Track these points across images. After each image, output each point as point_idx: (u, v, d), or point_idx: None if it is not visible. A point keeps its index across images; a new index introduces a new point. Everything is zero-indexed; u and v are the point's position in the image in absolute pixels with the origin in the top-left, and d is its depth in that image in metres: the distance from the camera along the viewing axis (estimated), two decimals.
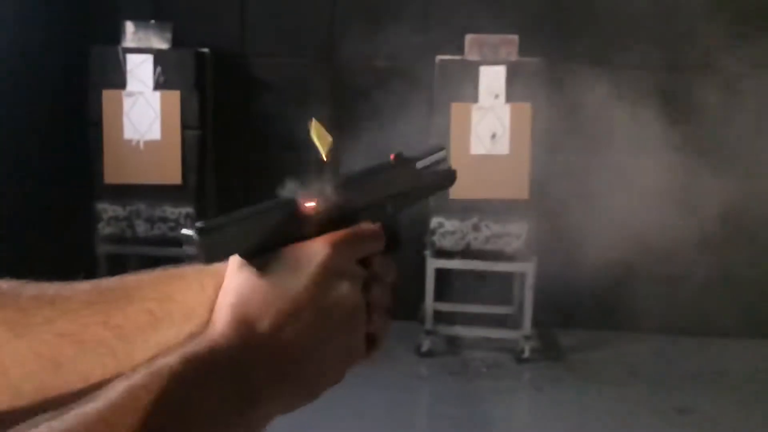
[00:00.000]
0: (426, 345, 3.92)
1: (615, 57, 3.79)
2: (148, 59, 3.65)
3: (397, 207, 0.61)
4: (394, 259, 0.59)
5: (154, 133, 3.71)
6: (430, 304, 3.90)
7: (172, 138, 3.73)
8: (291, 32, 4.12)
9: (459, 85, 3.70)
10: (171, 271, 0.62)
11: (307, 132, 0.59)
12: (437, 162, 0.65)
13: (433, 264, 3.87)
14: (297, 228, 0.54)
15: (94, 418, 0.43)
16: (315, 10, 4.14)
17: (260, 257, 0.53)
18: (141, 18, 3.72)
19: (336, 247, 0.53)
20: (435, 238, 3.84)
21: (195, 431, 0.47)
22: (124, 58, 3.64)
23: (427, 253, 3.87)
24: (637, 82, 3.77)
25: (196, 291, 0.59)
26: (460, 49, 3.74)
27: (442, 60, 3.73)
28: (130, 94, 3.68)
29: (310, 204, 0.55)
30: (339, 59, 4.18)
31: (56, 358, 0.56)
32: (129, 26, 3.68)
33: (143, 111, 3.69)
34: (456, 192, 3.69)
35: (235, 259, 0.54)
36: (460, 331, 4.04)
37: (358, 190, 0.59)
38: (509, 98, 3.69)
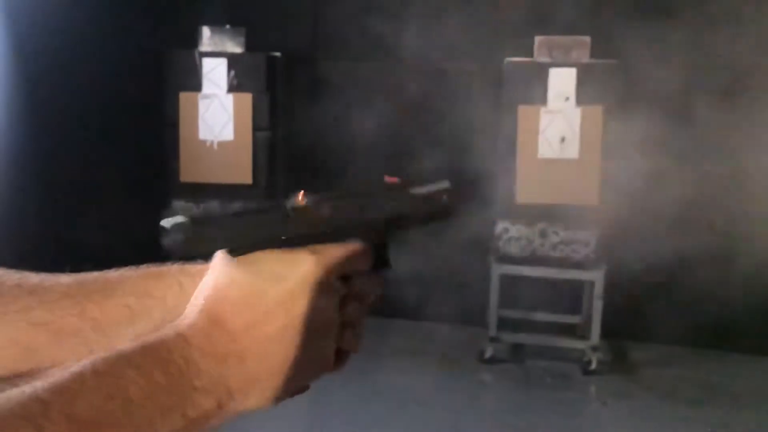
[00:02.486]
0: (489, 352, 3.85)
1: (690, 58, 3.61)
2: (222, 63, 3.79)
3: (388, 230, 0.61)
4: (379, 278, 0.59)
5: (227, 134, 3.84)
6: (494, 310, 3.83)
7: (244, 139, 3.85)
8: (360, 35, 4.17)
9: (527, 88, 3.63)
10: (153, 269, 0.63)
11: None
12: (437, 193, 0.64)
13: (497, 270, 3.81)
14: (285, 231, 0.55)
15: (30, 397, 0.42)
16: (384, 12, 4.17)
17: (245, 256, 0.53)
18: (217, 23, 3.86)
19: (319, 260, 0.54)
20: (500, 243, 3.77)
21: (142, 419, 0.45)
22: (200, 62, 3.80)
23: (492, 258, 3.82)
24: (714, 84, 3.58)
25: (176, 289, 0.61)
26: (529, 51, 3.67)
27: (510, 62, 3.67)
28: (206, 97, 3.83)
29: (299, 201, 0.56)
30: (408, 61, 4.19)
31: (30, 346, 0.58)
32: (205, 31, 3.83)
33: (217, 113, 3.83)
34: (523, 196, 3.63)
35: (221, 253, 0.55)
36: (524, 338, 3.95)
37: (351, 205, 0.60)
38: (580, 101, 3.59)
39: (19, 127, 3.20)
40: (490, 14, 4.02)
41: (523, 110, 3.64)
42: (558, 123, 3.61)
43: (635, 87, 3.57)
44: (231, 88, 3.81)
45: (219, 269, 0.54)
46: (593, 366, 3.73)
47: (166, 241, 0.53)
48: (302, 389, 0.56)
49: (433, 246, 4.23)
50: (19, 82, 3.15)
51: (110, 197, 3.70)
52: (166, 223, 0.53)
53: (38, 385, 0.43)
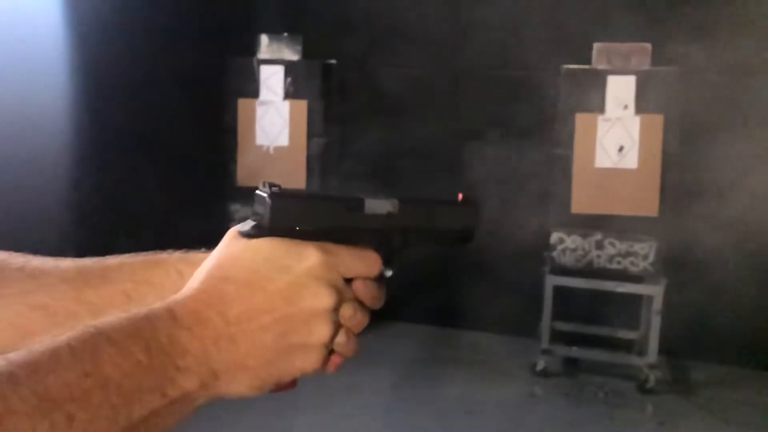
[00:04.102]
0: (541, 364, 3.77)
1: (758, 67, 3.45)
2: (279, 70, 3.87)
3: (404, 243, 0.61)
4: (382, 285, 0.58)
5: (283, 140, 3.91)
6: (547, 322, 3.75)
7: (298, 145, 3.91)
8: (415, 43, 4.17)
9: (585, 95, 3.55)
10: (153, 257, 0.64)
11: None
12: (460, 215, 0.63)
13: (551, 281, 3.73)
14: (355, 224, 0.57)
15: (1, 372, 0.41)
16: (440, 20, 4.16)
17: (256, 241, 0.54)
18: (275, 31, 3.94)
19: (326, 258, 0.54)
20: (555, 254, 3.69)
21: (119, 398, 0.44)
22: (258, 69, 3.88)
23: (546, 269, 3.74)
24: None
25: (174, 277, 0.62)
26: (588, 58, 3.59)
27: (568, 69, 3.59)
28: (263, 103, 3.91)
29: (389, 205, 0.58)
30: (463, 68, 4.16)
31: (28, 328, 0.59)
32: (264, 39, 3.92)
33: (273, 119, 3.90)
34: (578, 206, 3.55)
35: (232, 232, 0.55)
36: (578, 352, 3.84)
37: (420, 213, 0.61)
38: (639, 109, 3.48)
39: (82, 129, 3.35)
40: (548, 21, 3.95)
41: (580, 118, 3.56)
42: (616, 132, 3.51)
43: (697, 94, 3.43)
44: (287, 95, 3.88)
45: (227, 249, 0.54)
46: (650, 384, 3.59)
47: (255, 208, 0.55)
48: (289, 385, 0.56)
49: (486, 255, 4.18)
50: (82, 84, 3.30)
51: (170, 198, 3.82)
52: (260, 191, 0.54)
53: (12, 358, 0.42)
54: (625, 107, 3.49)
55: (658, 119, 3.46)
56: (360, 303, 0.57)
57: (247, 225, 0.55)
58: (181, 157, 3.90)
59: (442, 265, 4.30)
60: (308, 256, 0.53)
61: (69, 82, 3.23)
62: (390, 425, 3.27)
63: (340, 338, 0.56)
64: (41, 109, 3.09)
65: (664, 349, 3.63)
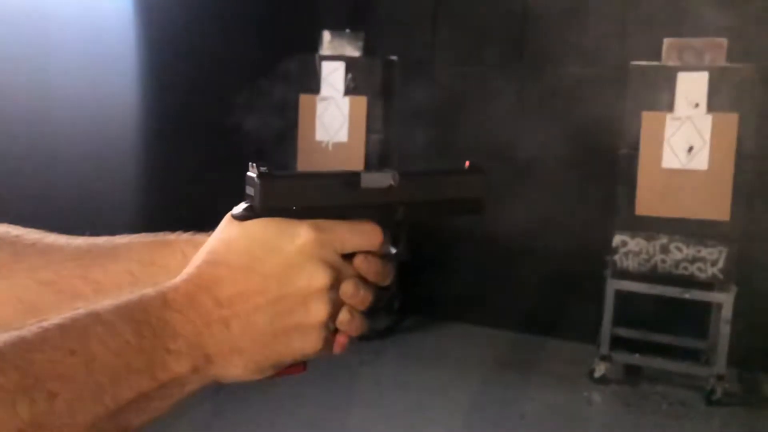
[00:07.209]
0: (600, 371, 3.65)
1: None
2: (340, 66, 3.88)
3: (406, 216, 0.59)
4: (387, 261, 0.56)
5: (342, 136, 3.93)
6: (607, 327, 3.63)
7: (357, 141, 3.92)
8: (478, 39, 4.12)
9: (654, 93, 3.42)
10: (160, 238, 0.64)
11: None
12: (466, 184, 0.60)
13: (613, 285, 3.61)
14: (353, 200, 0.55)
15: None
16: (502, 15, 4.09)
17: (249, 222, 0.53)
18: (338, 27, 3.96)
19: (319, 236, 0.53)
20: (617, 257, 3.57)
21: (105, 377, 0.44)
22: (320, 65, 3.91)
23: (608, 273, 3.62)
24: None
25: (179, 258, 0.62)
26: (657, 54, 3.45)
27: (635, 65, 3.47)
28: (323, 99, 3.94)
29: (389, 178, 0.56)
30: (527, 66, 4.08)
31: (35, 304, 0.60)
32: (326, 35, 3.94)
33: (333, 115, 3.92)
34: (643, 208, 3.42)
35: (227, 217, 0.55)
36: (639, 360, 3.70)
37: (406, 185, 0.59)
38: (711, 108, 3.32)
39: (149, 121, 3.46)
40: (617, 15, 3.82)
41: (647, 116, 3.43)
42: (685, 131, 3.36)
43: None
44: (347, 91, 3.89)
45: (221, 233, 0.53)
46: (717, 396, 3.42)
47: (246, 191, 0.54)
48: (296, 369, 0.54)
49: (547, 258, 4.08)
50: (149, 77, 3.41)
51: (229, 190, 3.90)
52: (250, 173, 0.53)
53: (2, 336, 0.42)
54: (696, 105, 3.33)
55: (732, 118, 3.29)
56: (363, 280, 0.54)
57: (240, 207, 0.54)
58: (242, 152, 3.98)
59: (502, 268, 4.23)
60: (300, 235, 0.52)
61: (137, 75, 3.34)
62: (443, 425, 3.24)
63: (343, 317, 0.54)
64: (111, 100, 3.20)
65: (734, 360, 3.46)
